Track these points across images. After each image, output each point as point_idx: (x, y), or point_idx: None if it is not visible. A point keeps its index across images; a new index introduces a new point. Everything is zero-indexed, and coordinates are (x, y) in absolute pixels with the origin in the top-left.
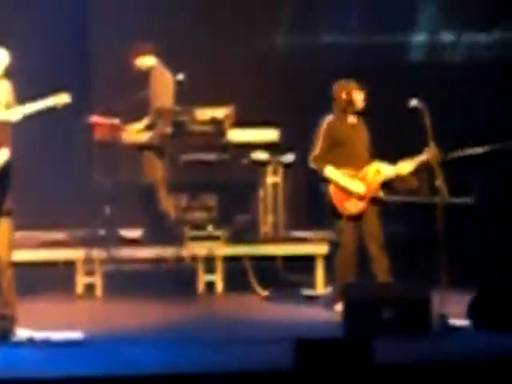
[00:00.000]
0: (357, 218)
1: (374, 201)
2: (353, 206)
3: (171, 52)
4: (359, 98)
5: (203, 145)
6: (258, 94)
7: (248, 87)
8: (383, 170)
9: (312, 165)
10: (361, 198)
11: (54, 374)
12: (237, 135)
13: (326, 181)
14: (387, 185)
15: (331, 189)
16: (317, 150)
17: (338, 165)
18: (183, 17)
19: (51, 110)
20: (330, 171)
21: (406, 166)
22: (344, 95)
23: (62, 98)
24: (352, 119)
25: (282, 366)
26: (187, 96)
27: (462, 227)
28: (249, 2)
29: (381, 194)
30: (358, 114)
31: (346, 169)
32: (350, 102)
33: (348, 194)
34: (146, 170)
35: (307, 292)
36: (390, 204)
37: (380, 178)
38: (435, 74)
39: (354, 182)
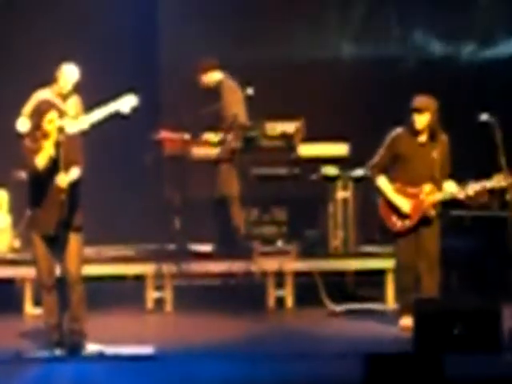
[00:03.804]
0: (404, 235)
1: (425, 220)
2: (399, 222)
3: (238, 65)
4: (415, 119)
5: (273, 159)
6: (327, 108)
7: (318, 101)
8: (439, 191)
9: (368, 171)
10: (406, 216)
11: None
12: (307, 150)
13: (378, 191)
14: (456, 200)
15: (381, 201)
16: (376, 158)
17: (395, 179)
18: (249, 29)
19: (120, 116)
20: (381, 181)
21: (466, 189)
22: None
23: (129, 101)
24: (421, 138)
25: (352, 381)
26: (256, 110)
27: None
28: (316, 14)
29: (432, 213)
30: (432, 134)
31: (402, 184)
32: (412, 122)
33: (394, 209)
34: (220, 184)
35: (373, 306)
36: (459, 218)
37: (433, 198)
38: None
39: (402, 199)
